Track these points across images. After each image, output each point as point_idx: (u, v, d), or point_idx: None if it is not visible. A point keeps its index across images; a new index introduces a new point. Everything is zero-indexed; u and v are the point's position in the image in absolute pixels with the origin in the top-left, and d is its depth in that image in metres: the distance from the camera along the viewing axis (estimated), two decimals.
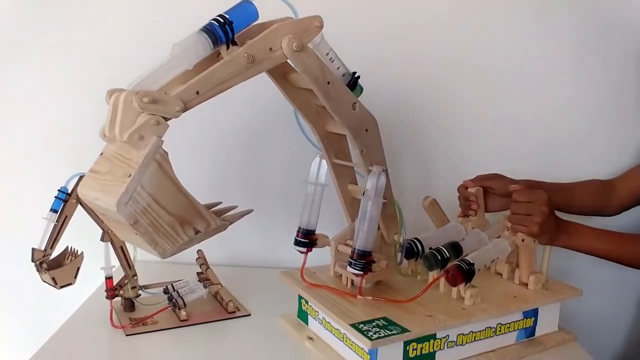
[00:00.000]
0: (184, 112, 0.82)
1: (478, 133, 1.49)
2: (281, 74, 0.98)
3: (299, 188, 1.41)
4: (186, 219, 0.86)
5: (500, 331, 1.05)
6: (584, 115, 1.51)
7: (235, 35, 0.88)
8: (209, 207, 0.95)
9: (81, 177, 1.04)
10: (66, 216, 1.06)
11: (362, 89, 1.02)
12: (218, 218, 0.91)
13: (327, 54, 0.96)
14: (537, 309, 1.09)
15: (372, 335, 0.90)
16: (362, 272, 0.99)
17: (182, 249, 0.87)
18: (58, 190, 1.06)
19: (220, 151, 1.45)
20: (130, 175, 0.80)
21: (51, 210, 1.05)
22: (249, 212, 1.01)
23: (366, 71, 1.05)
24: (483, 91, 1.47)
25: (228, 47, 0.87)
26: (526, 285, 1.12)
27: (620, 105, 1.51)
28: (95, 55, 1.39)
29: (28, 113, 1.40)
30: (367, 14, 1.39)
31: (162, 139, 0.82)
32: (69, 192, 1.06)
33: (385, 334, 0.91)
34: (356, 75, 1.01)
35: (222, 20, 0.86)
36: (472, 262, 1.01)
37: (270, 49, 0.87)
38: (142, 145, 0.80)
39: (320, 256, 1.13)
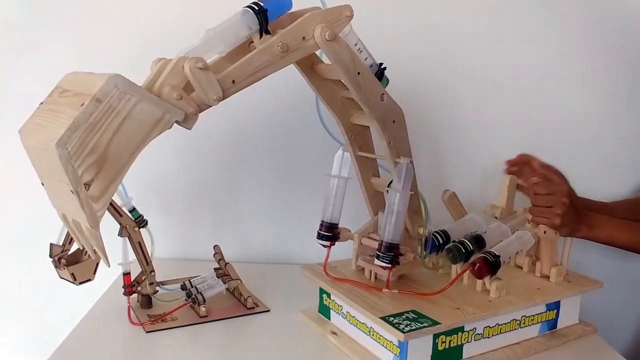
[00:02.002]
0: (219, 101, 0.81)
1: (493, 132, 1.49)
2: (309, 65, 0.97)
3: (312, 183, 1.42)
4: (101, 166, 0.74)
5: (524, 323, 1.05)
6: (598, 117, 1.51)
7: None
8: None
9: None
10: None
11: (388, 81, 1.01)
12: (100, 219, 0.77)
13: (356, 44, 0.95)
14: (559, 301, 1.09)
15: (403, 328, 0.89)
16: (390, 265, 0.98)
17: (64, 168, 0.71)
18: None
19: (235, 145, 1.44)
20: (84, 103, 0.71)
21: None
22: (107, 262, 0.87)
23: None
24: (497, 92, 1.48)
25: (261, 36, 0.86)
26: (547, 277, 1.12)
27: (632, 107, 1.52)
28: (96, 55, 1.37)
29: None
30: (387, 18, 1.39)
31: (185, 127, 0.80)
32: None
33: (417, 326, 0.90)
34: (383, 67, 1.00)
35: (256, 8, 0.85)
36: (497, 254, 1.00)
37: (304, 37, 0.86)
38: (172, 101, 0.78)
39: (337, 250, 1.11)
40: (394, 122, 0.99)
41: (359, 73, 0.91)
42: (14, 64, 1.37)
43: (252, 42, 0.88)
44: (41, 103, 0.80)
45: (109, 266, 0.83)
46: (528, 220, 1.14)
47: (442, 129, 1.48)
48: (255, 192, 1.48)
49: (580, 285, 1.11)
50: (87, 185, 0.73)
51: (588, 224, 1.12)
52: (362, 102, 0.94)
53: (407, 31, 1.40)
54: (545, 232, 1.09)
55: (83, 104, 0.71)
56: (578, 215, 1.11)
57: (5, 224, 1.44)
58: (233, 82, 0.82)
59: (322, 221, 1.07)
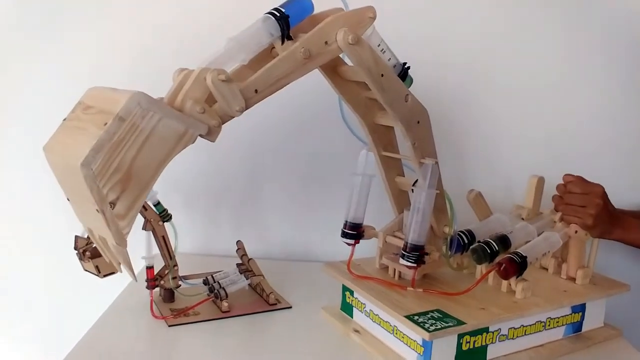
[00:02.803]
0: (242, 112, 0.80)
1: (516, 134, 1.49)
2: (332, 67, 0.96)
3: (335, 181, 1.41)
4: (126, 184, 0.74)
5: (549, 325, 1.04)
6: (615, 120, 1.50)
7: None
8: None
9: None
10: None
11: (412, 80, 1.00)
12: (126, 236, 0.77)
13: (379, 45, 0.94)
14: (585, 303, 1.08)
15: (428, 327, 0.88)
16: (415, 265, 0.97)
17: (90, 188, 0.70)
18: None
19: (257, 142, 1.44)
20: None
21: None
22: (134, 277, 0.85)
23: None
24: (519, 95, 1.48)
25: (283, 42, 0.85)
26: (573, 279, 1.11)
27: None
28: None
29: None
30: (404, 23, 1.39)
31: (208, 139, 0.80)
32: None
33: (442, 325, 0.89)
34: (406, 66, 0.98)
35: (278, 14, 0.84)
36: (524, 254, 0.99)
37: (326, 42, 0.85)
38: (195, 115, 0.77)
39: (360, 248, 1.10)
40: (418, 122, 0.97)
41: (382, 75, 0.90)
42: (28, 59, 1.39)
43: (274, 47, 0.87)
44: (64, 119, 0.80)
45: (136, 281, 0.83)
46: (556, 220, 1.12)
47: (467, 131, 1.48)
48: (277, 189, 1.48)
49: (607, 288, 1.10)
50: (113, 204, 0.73)
51: (622, 226, 1.12)
52: (386, 104, 0.93)
53: (428, 34, 1.41)
54: (576, 231, 1.08)
55: (106, 123, 0.70)
56: (611, 217, 1.11)
57: (30, 216, 1.46)
58: (256, 91, 0.80)
59: (346, 220, 1.06)
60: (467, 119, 1.47)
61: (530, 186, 1.21)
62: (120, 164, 0.72)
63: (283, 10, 0.85)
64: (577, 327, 1.08)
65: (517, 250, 1.00)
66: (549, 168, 1.25)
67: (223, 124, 0.81)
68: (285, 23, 0.84)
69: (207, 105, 0.78)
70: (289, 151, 1.46)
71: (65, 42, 1.38)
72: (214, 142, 0.81)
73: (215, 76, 0.76)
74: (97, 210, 0.72)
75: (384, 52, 0.95)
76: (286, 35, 0.85)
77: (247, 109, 0.81)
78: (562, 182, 1.15)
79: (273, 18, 0.84)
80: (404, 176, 1.09)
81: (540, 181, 1.20)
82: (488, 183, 1.43)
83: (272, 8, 0.86)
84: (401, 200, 1.09)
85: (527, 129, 1.48)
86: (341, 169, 1.10)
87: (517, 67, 1.46)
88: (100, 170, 0.71)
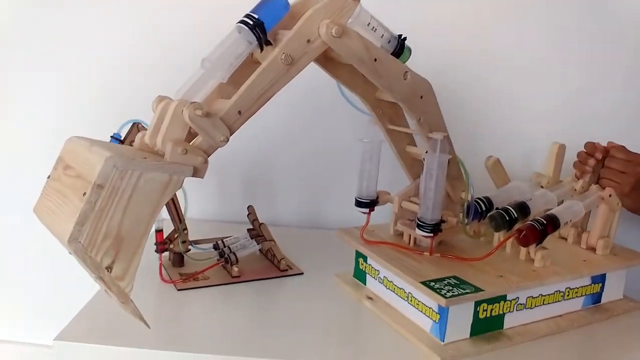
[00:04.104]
0: (227, 140, 0.75)
1: (530, 104, 1.45)
2: (322, 55, 0.86)
3: (344, 149, 1.39)
4: (119, 247, 0.71)
5: (568, 296, 1.01)
6: (608, 94, 1.46)
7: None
8: None
9: (135, 124, 1.01)
10: None
11: (410, 51, 0.94)
12: (130, 293, 0.75)
13: (368, 24, 0.87)
14: (605, 274, 1.05)
15: (445, 294, 0.85)
16: (432, 235, 0.95)
17: (82, 260, 0.69)
18: (111, 137, 1.02)
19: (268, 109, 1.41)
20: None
21: None
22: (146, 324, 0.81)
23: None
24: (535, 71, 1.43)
25: (262, 49, 0.79)
26: (593, 250, 1.07)
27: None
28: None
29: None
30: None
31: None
32: (122, 139, 1.01)
33: (459, 292, 0.86)
34: (403, 38, 0.92)
35: (251, 22, 0.77)
36: (545, 222, 0.96)
37: (308, 40, 0.78)
38: (178, 159, 0.73)
39: (374, 215, 1.07)
40: (421, 97, 0.92)
41: (375, 60, 0.84)
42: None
43: (253, 54, 0.82)
44: (48, 177, 0.78)
45: (149, 328, 0.79)
46: (577, 188, 1.09)
47: (484, 100, 1.44)
48: (289, 157, 1.45)
49: (628, 259, 1.07)
50: (109, 268, 0.71)
51: None
52: (384, 88, 0.88)
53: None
54: (610, 195, 1.05)
55: (85, 193, 0.67)
56: None
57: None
58: (239, 112, 0.75)
59: (359, 189, 1.04)
60: (485, 89, 1.44)
61: (551, 153, 1.17)
62: (109, 229, 0.69)
63: (256, 16, 0.77)
64: (596, 298, 1.05)
65: (539, 218, 0.97)
66: (568, 135, 1.22)
67: (209, 156, 0.76)
68: (260, 30, 0.77)
69: (188, 145, 0.74)
70: (301, 118, 1.43)
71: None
72: (202, 178, 0.76)
73: (192, 112, 0.71)
74: (94, 278, 0.70)
75: (375, 29, 0.88)
76: (264, 42, 0.78)
77: (233, 133, 0.76)
78: (584, 150, 1.12)
79: (247, 27, 0.77)
80: (415, 145, 1.05)
81: (562, 148, 1.17)
82: (506, 152, 1.39)
83: (243, 15, 0.78)
84: (415, 168, 1.05)
85: (545, 96, 1.44)
86: (354, 137, 1.06)
87: (533, 36, 1.42)
88: (90, 241, 0.68)
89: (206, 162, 0.75)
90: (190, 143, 0.75)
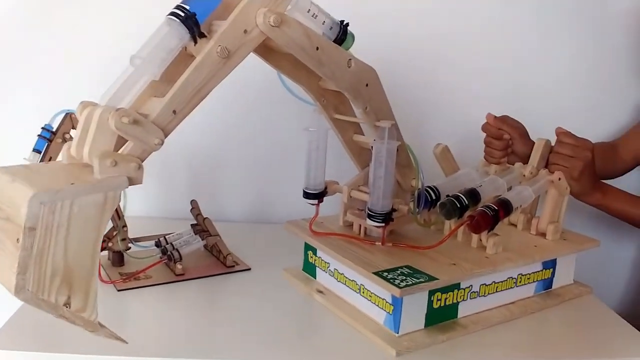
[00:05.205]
0: (163, 143, 0.70)
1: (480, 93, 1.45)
2: (261, 44, 0.80)
3: (290, 140, 1.35)
4: (70, 281, 0.65)
5: (520, 282, 1.00)
6: (582, 80, 1.49)
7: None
8: None
9: (68, 114, 0.95)
10: (51, 157, 0.95)
11: (353, 37, 0.90)
12: (96, 320, 0.69)
13: (309, 10, 0.82)
14: (556, 260, 1.04)
15: (399, 284, 0.83)
16: (383, 225, 0.92)
17: (37, 306, 0.64)
18: (42, 128, 0.95)
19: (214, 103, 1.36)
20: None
21: (34, 150, 0.94)
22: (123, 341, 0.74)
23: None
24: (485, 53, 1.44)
25: (196, 42, 0.73)
26: (544, 235, 1.07)
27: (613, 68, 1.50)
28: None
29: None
30: None
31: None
32: (54, 130, 0.95)
33: (413, 282, 0.84)
34: (345, 24, 0.88)
35: (182, 15, 0.71)
36: (496, 208, 0.94)
37: (245, 31, 0.73)
38: (109, 172, 0.67)
39: (322, 207, 1.04)
40: (367, 85, 0.89)
41: (317, 48, 0.80)
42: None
43: (187, 47, 0.75)
44: None
45: (127, 343, 0.73)
46: (525, 174, 1.09)
47: (430, 90, 1.44)
48: (233, 148, 1.40)
49: (578, 243, 1.07)
50: (67, 304, 0.65)
51: (602, 191, 1.14)
52: (327, 77, 0.84)
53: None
54: (560, 179, 1.04)
55: (18, 239, 0.61)
56: (594, 180, 1.11)
57: None
58: (174, 112, 0.70)
59: (306, 180, 1.01)
60: (433, 76, 1.43)
61: (536, 149, 1.16)
62: (54, 267, 0.63)
63: (187, 7, 0.72)
64: (547, 284, 1.05)
65: (490, 204, 0.95)
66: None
67: (144, 160, 0.70)
68: (192, 22, 0.72)
69: (117, 155, 0.67)
70: (247, 109, 1.38)
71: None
72: (141, 183, 0.70)
73: (119, 120, 0.65)
74: (55, 317, 0.65)
75: (316, 16, 0.83)
76: (197, 34, 0.73)
77: (168, 135, 0.70)
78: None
79: (178, 20, 0.71)
80: (362, 134, 1.01)
81: (547, 144, 1.16)
82: (455, 140, 1.38)
83: (174, 7, 0.73)
84: (363, 157, 1.02)
85: (494, 83, 1.45)
86: (299, 127, 1.02)
87: (483, 21, 1.42)
88: (38, 285, 0.62)
89: (140, 167, 0.69)
90: (121, 149, 0.69)
